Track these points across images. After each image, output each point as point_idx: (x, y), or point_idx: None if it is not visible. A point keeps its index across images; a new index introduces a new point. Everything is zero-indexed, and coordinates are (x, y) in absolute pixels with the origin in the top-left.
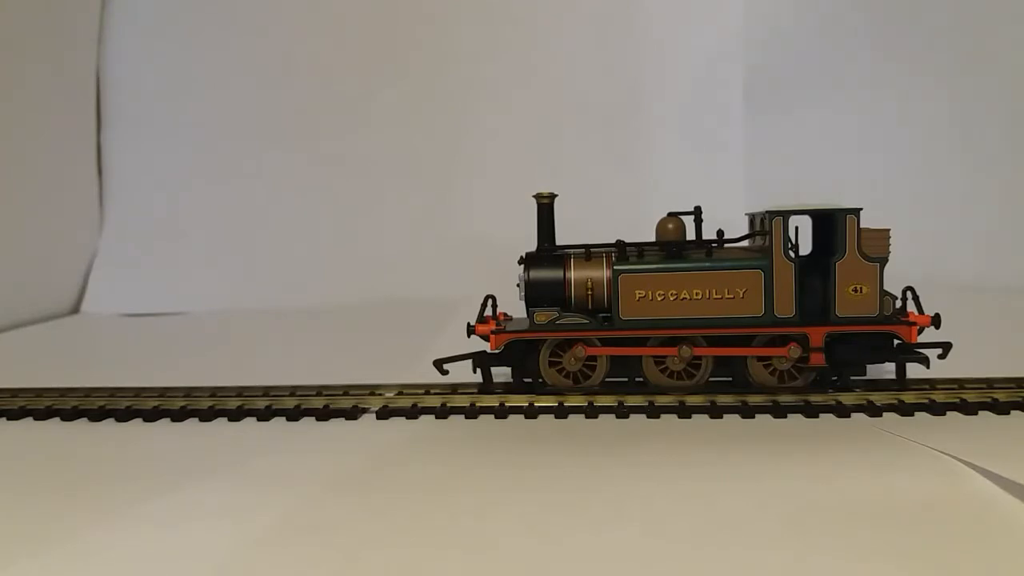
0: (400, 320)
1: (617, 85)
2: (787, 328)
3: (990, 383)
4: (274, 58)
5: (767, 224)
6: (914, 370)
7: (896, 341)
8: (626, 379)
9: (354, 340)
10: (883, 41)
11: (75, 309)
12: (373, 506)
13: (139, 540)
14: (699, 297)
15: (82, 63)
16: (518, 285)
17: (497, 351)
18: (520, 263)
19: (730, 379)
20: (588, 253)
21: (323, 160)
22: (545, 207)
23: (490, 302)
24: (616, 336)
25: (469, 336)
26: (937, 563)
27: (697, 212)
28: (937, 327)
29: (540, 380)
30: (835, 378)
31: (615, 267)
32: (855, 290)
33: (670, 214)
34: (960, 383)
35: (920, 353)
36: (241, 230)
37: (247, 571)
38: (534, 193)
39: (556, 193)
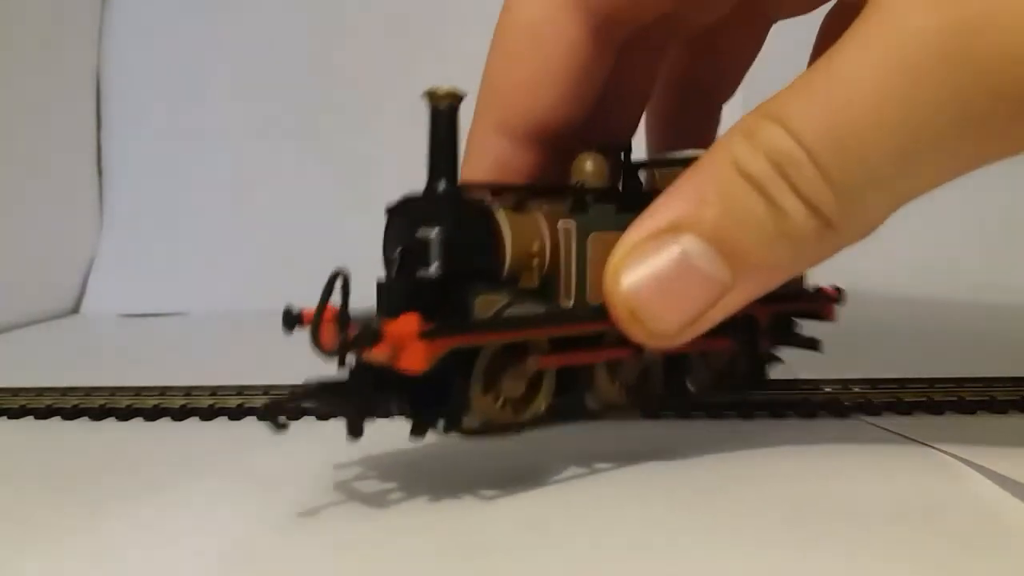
0: None
1: None
2: None
3: (988, 382)
4: (275, 58)
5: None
6: (914, 370)
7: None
8: (573, 399)
9: None
10: None
11: (75, 309)
12: (373, 506)
13: (138, 539)
14: None
15: (82, 63)
16: (391, 257)
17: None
18: (392, 212)
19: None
20: (521, 197)
21: (324, 160)
22: (442, 115)
23: (339, 283)
24: (579, 333)
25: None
26: (936, 563)
27: (625, 150)
28: (839, 302)
29: (456, 418)
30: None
31: (578, 221)
32: None
33: (590, 150)
34: (959, 382)
35: (812, 338)
36: (241, 230)
37: (246, 571)
38: (425, 89)
39: (464, 92)
